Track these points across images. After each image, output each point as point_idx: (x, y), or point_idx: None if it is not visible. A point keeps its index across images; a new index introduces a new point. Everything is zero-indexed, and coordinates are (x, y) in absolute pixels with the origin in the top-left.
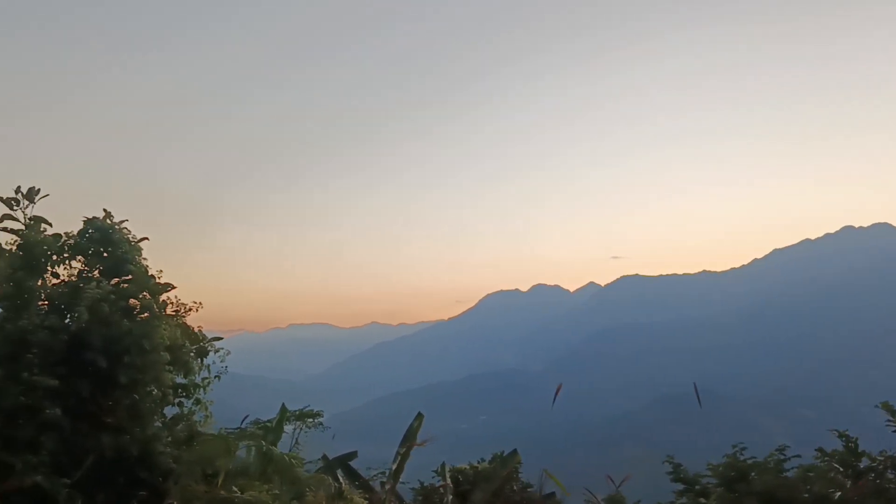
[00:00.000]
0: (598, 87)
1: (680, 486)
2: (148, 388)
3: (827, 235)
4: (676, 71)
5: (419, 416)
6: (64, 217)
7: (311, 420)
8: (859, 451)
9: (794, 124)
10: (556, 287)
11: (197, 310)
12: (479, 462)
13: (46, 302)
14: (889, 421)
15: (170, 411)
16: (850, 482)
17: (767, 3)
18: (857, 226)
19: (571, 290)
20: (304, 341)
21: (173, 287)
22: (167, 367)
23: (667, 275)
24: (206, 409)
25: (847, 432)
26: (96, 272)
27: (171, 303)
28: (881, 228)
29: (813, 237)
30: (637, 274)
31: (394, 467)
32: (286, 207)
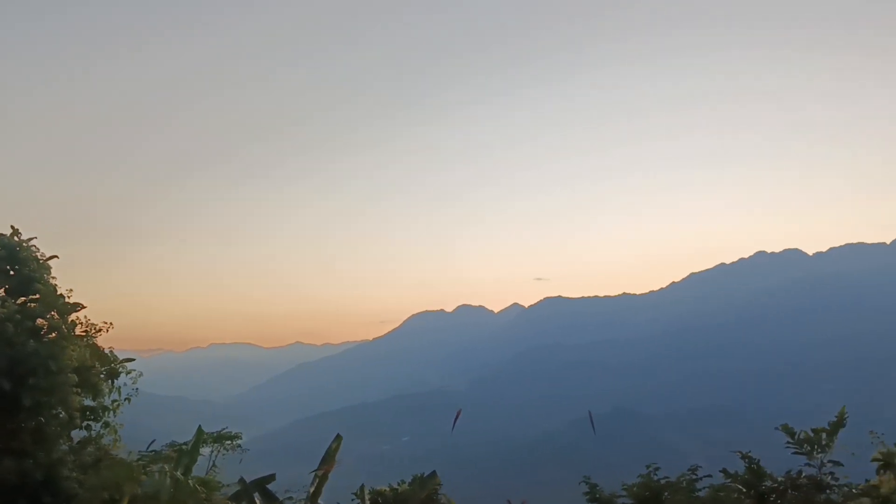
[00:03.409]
0: (522, 118)
1: None
2: (54, 411)
3: (741, 260)
4: (597, 104)
5: (337, 437)
6: None
7: (228, 442)
8: (762, 472)
9: (711, 154)
10: (481, 308)
11: (108, 330)
12: (399, 484)
13: None
14: (789, 443)
15: (77, 435)
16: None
17: (679, 40)
18: (769, 251)
19: (496, 310)
20: (225, 361)
21: (83, 307)
22: (75, 390)
23: (589, 297)
24: (115, 432)
25: (750, 454)
26: (2, 291)
27: (81, 323)
28: (792, 254)
29: (728, 261)
30: (560, 296)
31: (311, 490)
32: (209, 224)
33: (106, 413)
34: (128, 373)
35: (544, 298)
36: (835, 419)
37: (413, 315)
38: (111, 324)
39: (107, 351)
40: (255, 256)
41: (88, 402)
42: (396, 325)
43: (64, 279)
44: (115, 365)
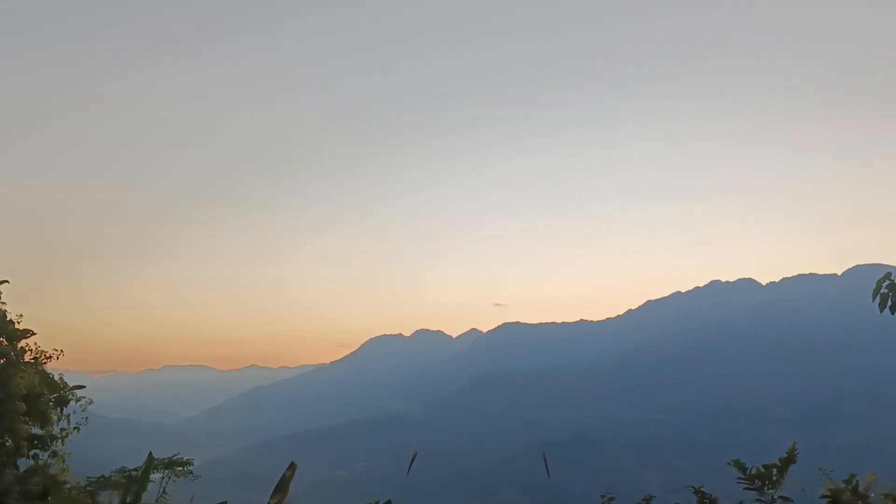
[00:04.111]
0: (482, 149)
1: None
2: (0, 440)
3: (696, 289)
4: (557, 138)
5: (292, 465)
6: None
7: (180, 468)
8: None
9: (668, 186)
10: (439, 332)
11: (58, 357)
12: None
13: None
14: (740, 478)
15: (24, 464)
16: None
17: (630, 80)
18: (724, 280)
19: (454, 335)
20: (179, 383)
21: (33, 333)
22: (23, 418)
23: (546, 323)
24: (63, 461)
25: (702, 488)
26: None
27: (31, 349)
28: (746, 283)
29: (683, 290)
30: (518, 321)
31: None
32: (164, 243)
33: (54, 442)
34: (77, 400)
35: (503, 324)
36: (786, 455)
37: (371, 339)
38: (62, 351)
39: (56, 376)
40: (212, 278)
41: (36, 430)
42: (354, 348)
43: (13, 296)
44: (65, 392)
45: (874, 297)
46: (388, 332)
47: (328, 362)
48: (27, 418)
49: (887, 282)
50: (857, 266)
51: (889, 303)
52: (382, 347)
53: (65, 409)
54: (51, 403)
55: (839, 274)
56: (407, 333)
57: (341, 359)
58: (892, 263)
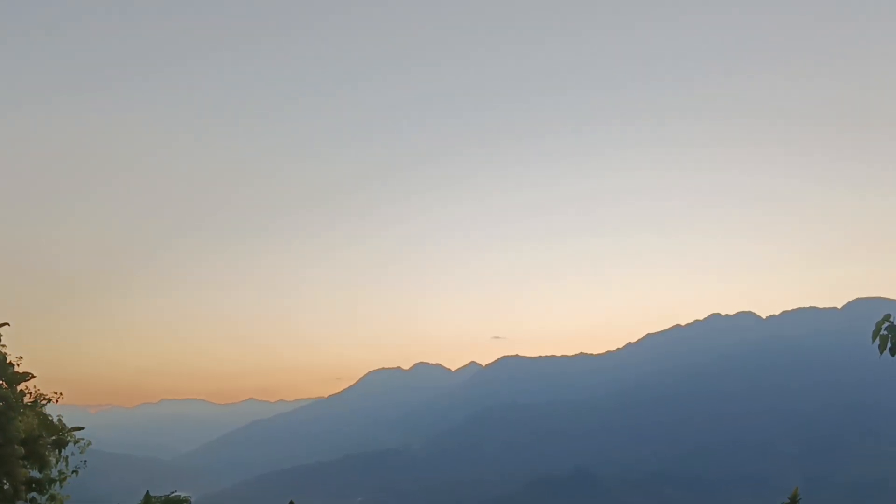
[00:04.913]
0: (481, 179)
1: None
2: None
3: (696, 322)
4: (554, 169)
5: None
6: None
7: None
8: None
9: (667, 218)
10: (438, 366)
11: (57, 400)
12: None
13: None
14: None
15: None
16: None
17: (629, 107)
18: (723, 313)
19: (453, 369)
20: (176, 417)
21: (33, 376)
22: (21, 462)
23: (546, 356)
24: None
25: None
26: None
27: (30, 392)
28: (746, 317)
29: (683, 323)
30: (517, 355)
31: None
32: (161, 276)
33: (52, 485)
34: (76, 441)
35: (502, 357)
36: (787, 500)
37: (370, 372)
38: (61, 394)
39: (55, 419)
40: (209, 310)
41: (35, 473)
42: (352, 381)
43: (10, 331)
44: (64, 434)
45: (874, 339)
46: (386, 366)
47: (326, 396)
48: (26, 462)
49: (886, 323)
50: (858, 299)
51: (889, 344)
52: (381, 381)
53: (63, 450)
54: (49, 446)
55: (839, 307)
56: (406, 367)
57: (339, 392)
58: (892, 297)
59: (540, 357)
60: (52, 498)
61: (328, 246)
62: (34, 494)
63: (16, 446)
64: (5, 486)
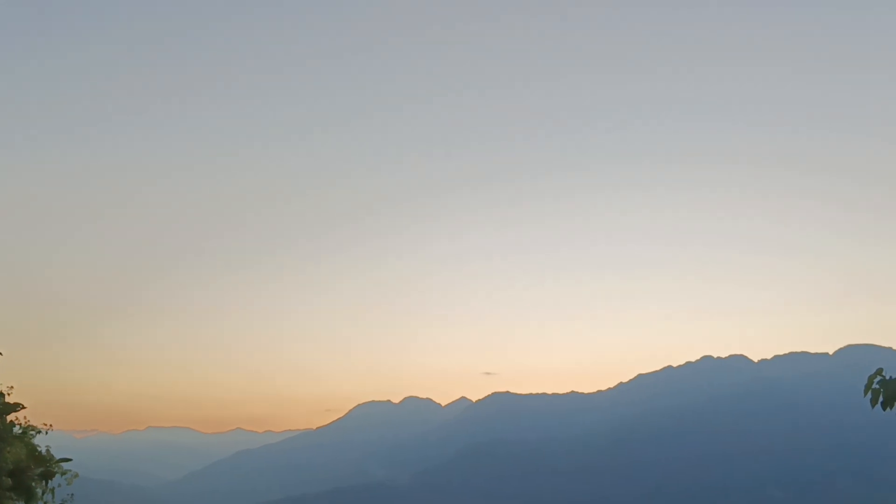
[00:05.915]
0: (472, 219)
1: None
2: None
3: (688, 364)
4: (548, 209)
5: None
6: None
7: None
8: None
9: (659, 259)
10: (428, 400)
11: (47, 432)
12: None
13: None
14: None
15: None
16: None
17: (613, 148)
18: (716, 356)
19: (443, 403)
20: (162, 445)
21: (23, 407)
22: (8, 494)
23: (537, 393)
24: None
25: None
26: None
27: (19, 423)
28: (738, 360)
29: (675, 364)
30: (508, 391)
31: None
32: (150, 302)
33: None
34: (63, 473)
35: (492, 393)
36: None
37: (359, 405)
38: (51, 425)
39: (43, 450)
40: (198, 338)
41: None
42: (341, 413)
43: (1, 364)
44: (51, 465)
45: (866, 393)
46: (376, 398)
47: (314, 427)
48: (12, 494)
49: (878, 377)
50: (849, 346)
51: (881, 398)
52: (370, 413)
53: (50, 482)
54: (36, 477)
55: (831, 353)
56: (396, 400)
57: (328, 424)
58: (883, 343)
59: (531, 394)
60: None
61: (320, 277)
62: None
63: (3, 478)
64: None
